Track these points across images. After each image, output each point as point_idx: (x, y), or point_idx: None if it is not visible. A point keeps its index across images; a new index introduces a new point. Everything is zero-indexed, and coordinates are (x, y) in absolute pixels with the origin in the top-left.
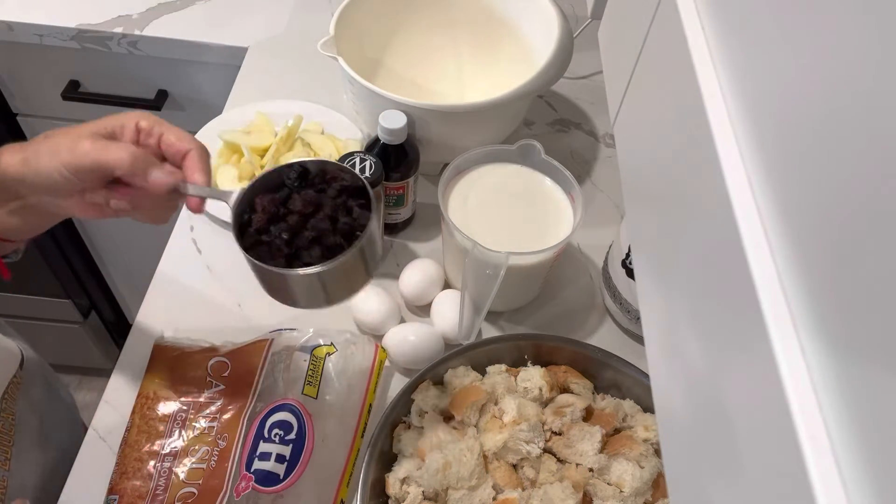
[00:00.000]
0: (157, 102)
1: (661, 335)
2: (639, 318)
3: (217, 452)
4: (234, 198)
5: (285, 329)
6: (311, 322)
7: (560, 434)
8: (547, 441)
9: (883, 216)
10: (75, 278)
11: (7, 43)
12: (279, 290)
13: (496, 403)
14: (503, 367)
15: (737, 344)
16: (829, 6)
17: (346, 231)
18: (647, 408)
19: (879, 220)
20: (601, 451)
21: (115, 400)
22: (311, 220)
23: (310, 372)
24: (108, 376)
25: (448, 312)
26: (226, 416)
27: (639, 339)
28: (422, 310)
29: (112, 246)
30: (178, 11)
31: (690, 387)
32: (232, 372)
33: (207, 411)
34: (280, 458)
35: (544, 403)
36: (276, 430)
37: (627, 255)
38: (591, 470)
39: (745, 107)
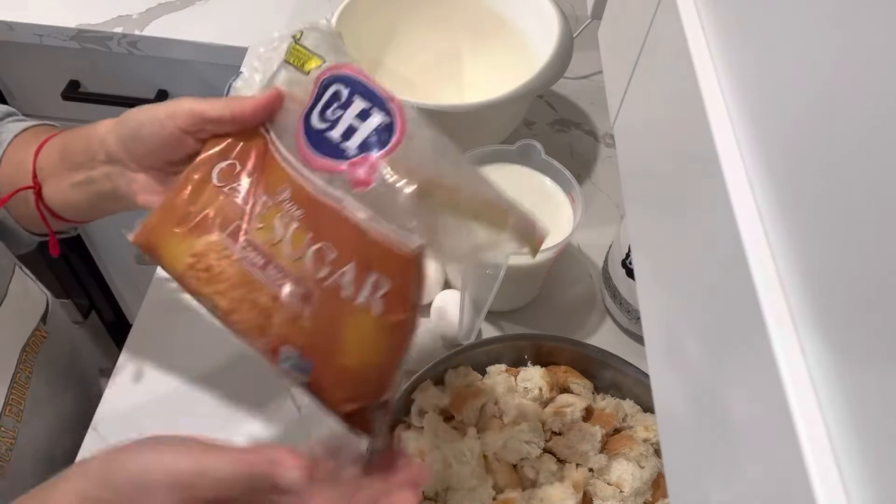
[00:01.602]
0: (157, 102)
1: (662, 335)
2: (639, 318)
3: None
4: None
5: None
6: None
7: (560, 434)
8: (547, 441)
9: (883, 215)
10: (75, 278)
11: (7, 43)
12: None
13: (496, 403)
14: (503, 367)
15: (737, 344)
16: (829, 5)
17: None
18: (647, 408)
19: (880, 220)
20: (601, 451)
21: (115, 399)
22: None
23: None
24: (108, 376)
25: (448, 312)
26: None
27: (639, 339)
28: (422, 310)
29: (112, 246)
30: (178, 11)
31: (690, 387)
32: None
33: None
34: (363, 115)
35: (544, 403)
36: (330, 107)
37: (627, 255)
38: (591, 470)
39: (745, 106)
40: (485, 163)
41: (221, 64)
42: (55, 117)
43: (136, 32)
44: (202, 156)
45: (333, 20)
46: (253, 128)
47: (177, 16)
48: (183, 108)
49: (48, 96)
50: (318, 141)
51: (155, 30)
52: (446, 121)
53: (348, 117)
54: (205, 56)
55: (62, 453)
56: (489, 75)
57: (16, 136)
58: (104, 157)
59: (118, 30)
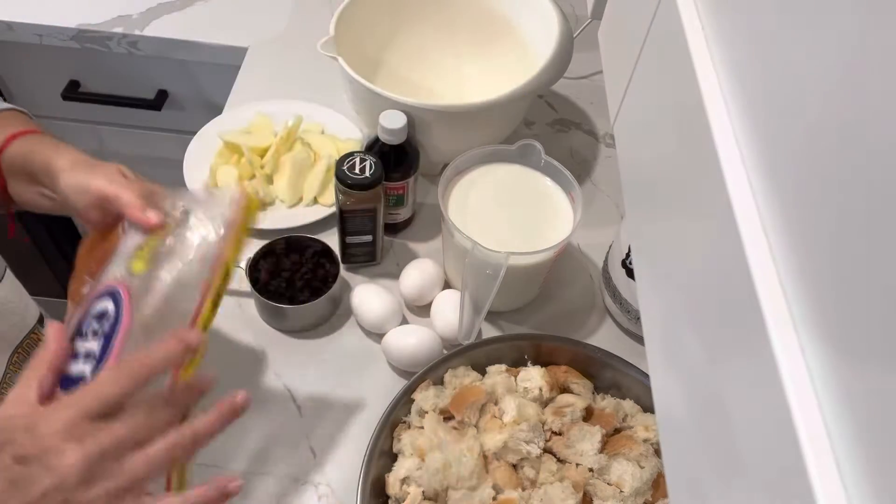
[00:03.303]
0: (157, 102)
1: (662, 335)
2: (639, 318)
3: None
4: (245, 264)
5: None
6: (318, 332)
7: (560, 434)
8: (547, 441)
9: (883, 216)
10: None
11: (7, 43)
12: (281, 319)
13: (496, 403)
14: (503, 367)
15: (737, 344)
16: (829, 5)
17: (323, 279)
18: (647, 408)
19: (880, 220)
20: (601, 451)
21: None
22: (297, 273)
23: (143, 244)
24: None
25: (448, 312)
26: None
27: (639, 339)
28: (422, 310)
29: None
30: (178, 11)
31: (690, 387)
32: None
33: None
34: (88, 357)
35: (544, 403)
36: (93, 324)
37: (627, 255)
38: (591, 470)
39: (745, 106)
40: (485, 163)
41: (221, 64)
42: (55, 117)
43: (136, 32)
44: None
45: (333, 20)
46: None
47: (177, 16)
48: (92, 185)
49: (48, 96)
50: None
51: (155, 30)
52: (446, 121)
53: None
54: (205, 56)
55: None
56: (489, 75)
57: None
58: (52, 183)
59: (118, 30)
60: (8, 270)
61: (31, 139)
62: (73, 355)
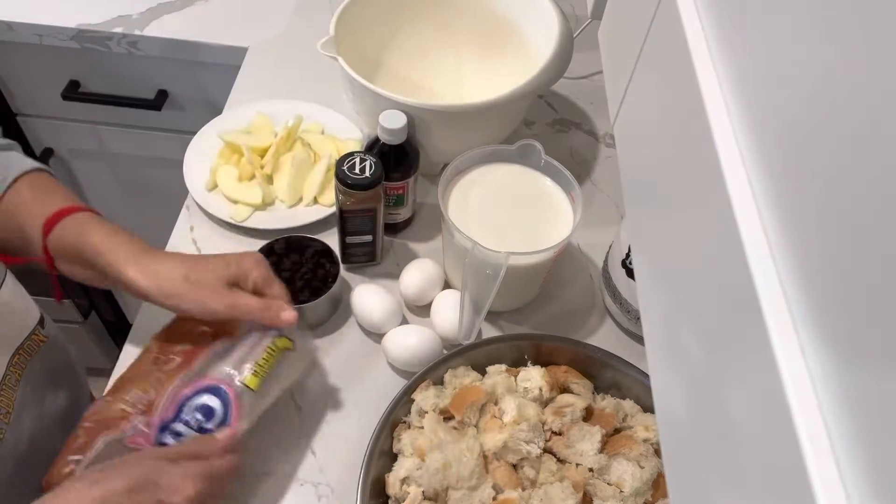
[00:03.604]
0: (157, 102)
1: (662, 335)
2: (639, 318)
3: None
4: None
5: None
6: (318, 332)
7: (560, 434)
8: (547, 441)
9: (883, 215)
10: None
11: (7, 43)
12: None
13: (496, 403)
14: (503, 367)
15: (737, 344)
16: (829, 5)
17: (323, 279)
18: (647, 408)
19: (879, 220)
20: (601, 451)
21: None
22: (297, 274)
23: (261, 361)
24: (109, 376)
25: (448, 312)
26: (172, 365)
27: (639, 339)
28: (422, 310)
29: None
30: (178, 11)
31: (691, 387)
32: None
33: (178, 348)
34: (177, 436)
35: (544, 403)
36: (197, 415)
37: (627, 255)
38: (591, 470)
39: (745, 106)
40: (485, 163)
41: (221, 64)
42: (55, 117)
43: (136, 32)
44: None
45: (333, 20)
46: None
47: (177, 16)
48: (211, 306)
49: (48, 96)
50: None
51: (155, 30)
52: (446, 121)
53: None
54: (205, 56)
55: (48, 452)
56: (489, 75)
57: (22, 174)
58: (124, 286)
59: (118, 30)
60: (9, 273)
61: (76, 223)
62: (164, 429)
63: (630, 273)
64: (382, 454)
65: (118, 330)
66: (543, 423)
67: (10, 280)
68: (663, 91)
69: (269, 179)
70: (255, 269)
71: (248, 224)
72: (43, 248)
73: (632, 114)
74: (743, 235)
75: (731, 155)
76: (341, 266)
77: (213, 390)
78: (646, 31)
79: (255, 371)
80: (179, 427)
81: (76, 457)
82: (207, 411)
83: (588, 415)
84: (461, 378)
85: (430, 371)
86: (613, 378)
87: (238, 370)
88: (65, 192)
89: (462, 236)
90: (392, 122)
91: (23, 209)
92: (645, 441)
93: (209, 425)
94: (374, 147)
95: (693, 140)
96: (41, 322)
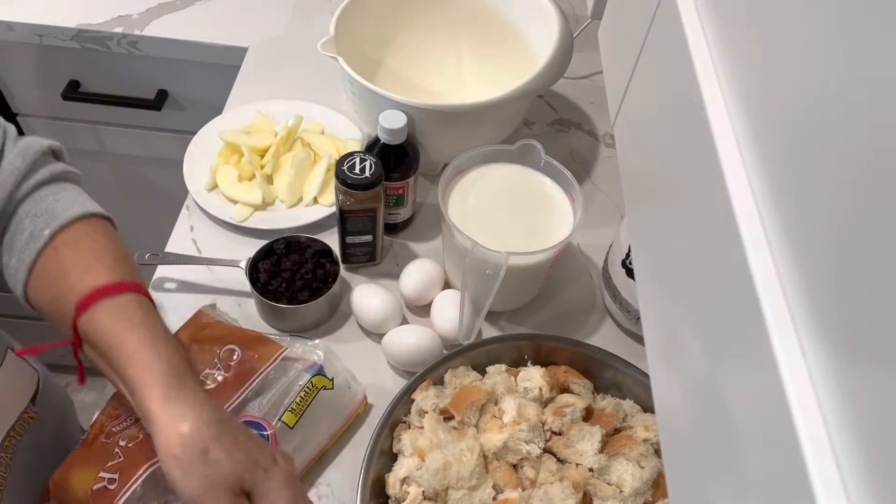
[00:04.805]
0: (157, 102)
1: (662, 335)
2: (639, 318)
3: None
4: (245, 264)
5: (300, 337)
6: (318, 332)
7: (560, 434)
8: (547, 441)
9: (883, 215)
10: None
11: (7, 43)
12: (281, 319)
13: (496, 403)
14: (503, 367)
15: (737, 344)
16: (829, 6)
17: (323, 278)
18: (647, 408)
19: (879, 220)
20: (601, 451)
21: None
22: (297, 274)
23: (298, 399)
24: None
25: (448, 312)
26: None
27: (639, 339)
28: (422, 310)
29: None
30: (178, 11)
31: (690, 387)
32: (237, 364)
33: None
34: None
35: (544, 403)
36: None
37: (627, 255)
38: (591, 470)
39: (745, 106)
40: (485, 163)
41: (221, 64)
42: (55, 117)
43: (136, 32)
44: None
45: (333, 20)
46: None
47: (177, 16)
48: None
49: (48, 96)
50: None
51: (155, 30)
52: (446, 121)
53: None
54: (205, 56)
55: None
56: (489, 75)
57: (71, 221)
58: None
59: (118, 30)
60: (9, 352)
61: (112, 313)
62: None
63: (630, 273)
64: (382, 454)
65: None
66: (543, 423)
67: (10, 358)
68: (663, 91)
69: (269, 179)
70: (279, 497)
71: (248, 224)
72: (73, 326)
73: (632, 114)
74: (743, 235)
75: (731, 155)
76: (341, 266)
77: (252, 425)
78: (646, 31)
79: (293, 409)
80: None
81: (111, 475)
82: None
83: (588, 415)
84: (461, 378)
85: (430, 371)
86: (613, 378)
87: (273, 410)
88: (112, 251)
89: (462, 236)
90: (392, 122)
91: (58, 274)
92: (645, 441)
93: None
94: (374, 147)
95: (693, 140)
96: (33, 398)
